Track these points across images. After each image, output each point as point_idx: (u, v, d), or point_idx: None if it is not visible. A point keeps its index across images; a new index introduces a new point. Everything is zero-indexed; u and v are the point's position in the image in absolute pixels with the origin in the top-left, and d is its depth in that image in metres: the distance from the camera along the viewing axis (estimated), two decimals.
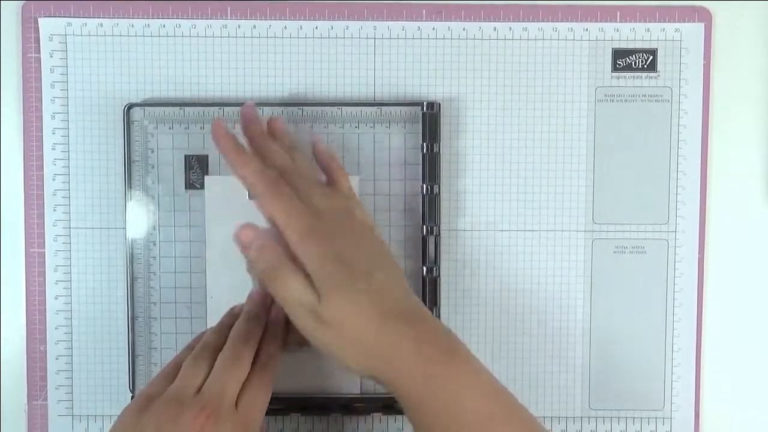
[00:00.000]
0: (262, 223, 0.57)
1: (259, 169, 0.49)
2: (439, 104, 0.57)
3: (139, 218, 0.57)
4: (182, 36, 0.57)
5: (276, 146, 0.52)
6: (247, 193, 0.57)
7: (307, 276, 0.47)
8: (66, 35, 0.57)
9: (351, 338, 0.47)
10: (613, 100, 0.58)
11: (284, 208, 0.48)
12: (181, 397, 0.47)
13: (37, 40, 0.57)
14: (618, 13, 0.58)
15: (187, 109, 0.57)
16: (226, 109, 0.57)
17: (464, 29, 0.57)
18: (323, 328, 0.47)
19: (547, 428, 0.50)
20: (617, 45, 0.58)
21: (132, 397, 0.57)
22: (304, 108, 0.57)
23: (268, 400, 0.49)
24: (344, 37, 0.57)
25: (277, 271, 0.48)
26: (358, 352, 0.47)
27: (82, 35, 0.57)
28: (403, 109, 0.57)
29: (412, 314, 0.48)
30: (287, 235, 0.48)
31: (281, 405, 0.57)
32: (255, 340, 0.51)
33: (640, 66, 0.58)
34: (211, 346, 0.50)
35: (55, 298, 0.58)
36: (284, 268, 0.47)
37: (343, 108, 0.57)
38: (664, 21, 0.58)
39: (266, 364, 0.50)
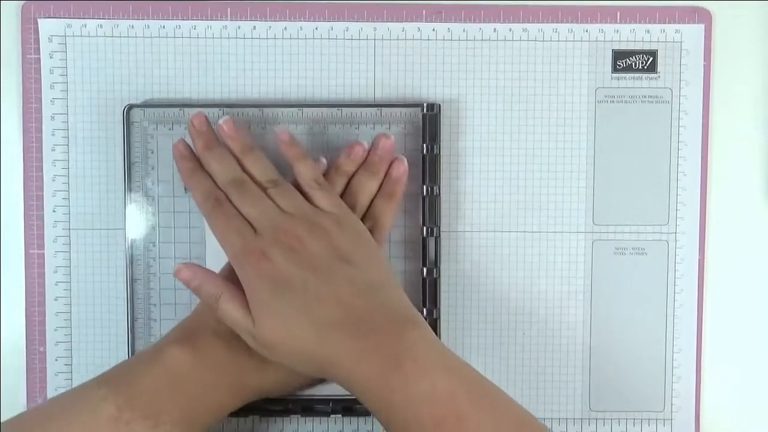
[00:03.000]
0: None
1: (203, 191, 0.52)
2: (439, 105, 0.57)
3: (138, 219, 0.57)
4: (182, 37, 0.57)
5: (225, 155, 0.53)
6: None
7: (245, 299, 0.49)
8: (66, 36, 0.57)
9: (289, 353, 0.49)
10: (613, 101, 0.58)
11: (221, 229, 0.51)
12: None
13: (37, 41, 0.57)
14: (618, 14, 0.58)
15: (187, 110, 0.57)
16: (226, 109, 0.56)
17: (464, 30, 0.57)
18: (263, 349, 0.49)
19: (516, 402, 0.48)
20: (617, 46, 0.58)
21: None
22: (304, 109, 0.57)
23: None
24: (344, 39, 0.57)
25: (218, 301, 0.50)
26: (300, 361, 0.49)
27: (81, 36, 0.57)
28: (403, 110, 0.57)
29: (359, 323, 0.48)
30: (228, 257, 0.51)
31: (281, 406, 0.57)
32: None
33: (640, 67, 0.58)
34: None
35: (55, 300, 0.58)
36: (224, 296, 0.50)
37: (343, 109, 0.57)
38: (664, 22, 0.58)
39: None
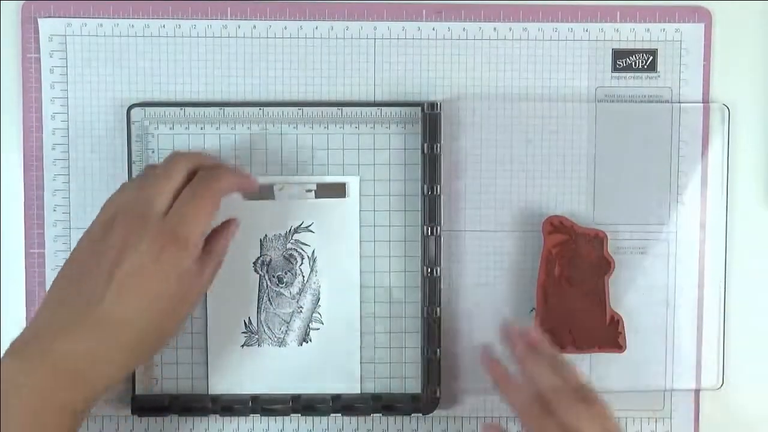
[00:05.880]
0: (260, 222, 0.57)
1: (529, 395, 0.50)
2: (440, 104, 0.57)
3: None
4: (182, 36, 0.57)
5: (541, 362, 0.51)
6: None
7: None
8: (66, 35, 0.57)
9: None
10: (613, 101, 0.58)
11: None
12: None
13: (37, 41, 0.57)
14: (618, 13, 0.58)
15: (187, 109, 0.57)
16: (227, 109, 0.57)
17: (464, 29, 0.57)
18: None
19: None
20: (617, 45, 0.58)
21: (132, 399, 0.57)
22: (304, 108, 0.57)
23: (201, 214, 0.49)
24: (344, 38, 0.57)
25: None
26: None
27: (82, 35, 0.57)
28: (404, 109, 0.57)
29: None
30: None
31: (281, 405, 0.57)
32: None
33: (640, 66, 0.58)
34: None
35: None
36: None
37: (344, 108, 0.57)
38: (664, 21, 0.58)
39: (202, 177, 0.50)
